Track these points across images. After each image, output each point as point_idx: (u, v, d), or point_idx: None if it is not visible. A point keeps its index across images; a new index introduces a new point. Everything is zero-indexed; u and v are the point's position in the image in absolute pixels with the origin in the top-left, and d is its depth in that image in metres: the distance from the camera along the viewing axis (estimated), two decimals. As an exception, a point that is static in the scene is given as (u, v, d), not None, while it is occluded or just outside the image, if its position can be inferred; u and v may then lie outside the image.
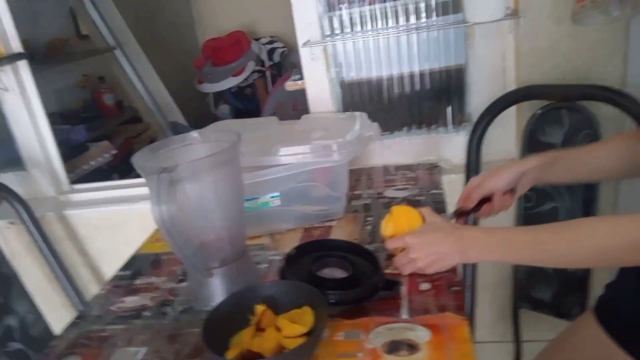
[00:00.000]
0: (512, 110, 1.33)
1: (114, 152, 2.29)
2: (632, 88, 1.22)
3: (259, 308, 0.78)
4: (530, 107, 1.30)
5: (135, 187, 1.60)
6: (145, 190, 0.75)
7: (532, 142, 1.27)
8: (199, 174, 0.77)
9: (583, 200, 1.22)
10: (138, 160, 0.79)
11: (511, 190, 0.93)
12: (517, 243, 0.76)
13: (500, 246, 0.77)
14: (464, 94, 1.40)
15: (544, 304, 1.31)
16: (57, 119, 2.47)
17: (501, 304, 1.51)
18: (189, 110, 3.12)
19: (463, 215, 0.96)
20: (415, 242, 0.83)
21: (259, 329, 0.76)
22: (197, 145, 0.90)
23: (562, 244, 0.71)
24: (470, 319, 1.39)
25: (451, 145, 1.43)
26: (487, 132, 1.33)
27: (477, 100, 1.37)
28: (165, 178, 0.71)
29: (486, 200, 0.94)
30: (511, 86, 1.33)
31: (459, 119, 1.43)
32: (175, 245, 0.77)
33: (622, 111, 1.13)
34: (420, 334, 0.76)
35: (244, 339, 0.75)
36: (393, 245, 0.88)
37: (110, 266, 1.62)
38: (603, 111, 1.20)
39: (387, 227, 0.92)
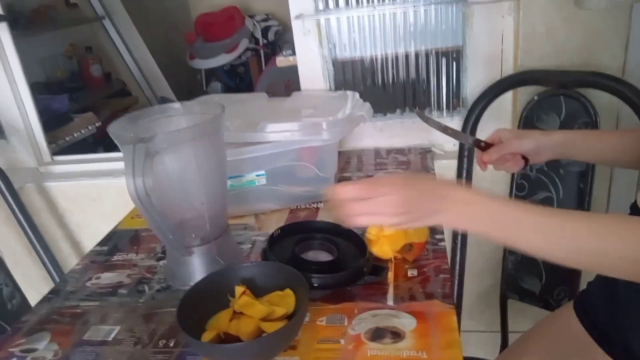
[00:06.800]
0: (508, 95, 1.30)
1: (99, 124, 2.22)
2: (631, 76, 1.18)
3: (238, 289, 0.75)
4: (527, 93, 1.27)
5: (117, 161, 1.55)
6: (126, 164, 0.70)
7: (528, 129, 1.24)
8: (178, 145, 0.73)
9: (577, 190, 1.20)
10: (115, 129, 0.74)
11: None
12: (521, 220, 0.60)
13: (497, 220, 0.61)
14: (460, 77, 1.35)
15: (532, 295, 1.29)
16: (41, 88, 2.40)
17: (489, 293, 1.49)
18: (179, 86, 3.06)
19: (480, 147, 0.94)
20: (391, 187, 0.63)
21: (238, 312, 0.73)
22: (179, 117, 0.85)
23: (589, 238, 0.57)
24: (457, 307, 1.37)
25: (445, 130, 1.39)
26: (482, 117, 1.30)
27: (473, 84, 1.33)
28: (141, 148, 0.66)
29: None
30: (509, 70, 1.28)
31: (454, 104, 1.39)
32: (151, 220, 0.73)
33: (620, 99, 1.10)
34: (406, 322, 0.73)
35: (221, 322, 0.72)
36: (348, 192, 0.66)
37: (91, 241, 1.58)
38: (601, 99, 1.16)
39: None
